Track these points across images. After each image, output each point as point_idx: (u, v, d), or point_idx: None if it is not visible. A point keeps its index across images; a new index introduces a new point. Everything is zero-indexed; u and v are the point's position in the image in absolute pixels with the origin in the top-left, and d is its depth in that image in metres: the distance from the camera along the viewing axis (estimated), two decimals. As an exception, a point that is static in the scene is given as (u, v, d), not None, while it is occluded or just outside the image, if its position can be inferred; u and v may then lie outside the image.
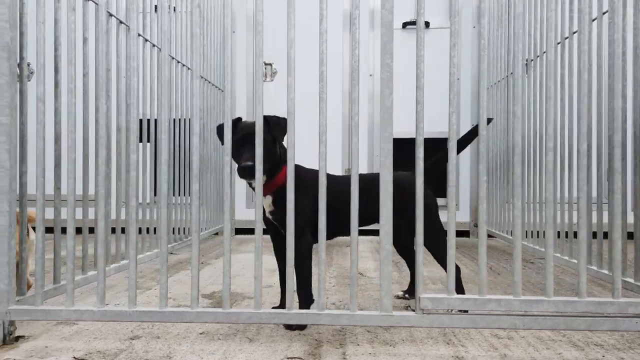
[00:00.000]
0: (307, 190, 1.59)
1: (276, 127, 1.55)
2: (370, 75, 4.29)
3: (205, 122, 3.58)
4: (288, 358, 1.31)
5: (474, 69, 4.22)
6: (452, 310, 1.44)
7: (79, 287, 1.88)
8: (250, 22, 4.40)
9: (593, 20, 2.18)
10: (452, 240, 1.36)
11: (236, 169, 1.52)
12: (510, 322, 1.33)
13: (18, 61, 1.53)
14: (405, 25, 4.24)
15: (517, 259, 1.36)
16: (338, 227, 1.68)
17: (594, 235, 3.55)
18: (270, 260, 2.85)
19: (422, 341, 1.44)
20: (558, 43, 2.48)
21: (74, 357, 1.32)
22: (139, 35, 2.45)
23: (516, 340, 1.46)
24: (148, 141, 3.28)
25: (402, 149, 4.17)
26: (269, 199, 1.60)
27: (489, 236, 3.74)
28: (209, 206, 3.76)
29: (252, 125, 1.53)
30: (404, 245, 1.93)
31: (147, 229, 3.21)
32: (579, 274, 1.36)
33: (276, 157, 1.58)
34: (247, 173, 1.48)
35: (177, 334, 1.51)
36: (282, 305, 1.72)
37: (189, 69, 3.24)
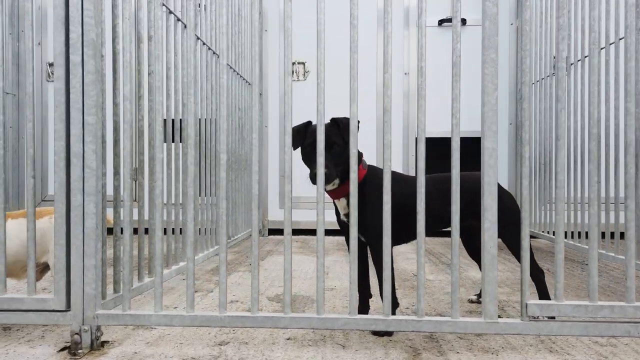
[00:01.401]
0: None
1: (346, 129, 1.49)
2: (405, 73, 4.23)
3: (244, 122, 3.53)
4: (393, 366, 1.25)
5: (511, 68, 4.15)
6: (541, 317, 1.37)
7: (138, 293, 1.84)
8: (280, 21, 4.34)
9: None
10: (560, 244, 1.31)
11: (308, 174, 1.47)
12: (623, 330, 1.27)
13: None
14: (441, 22, 4.17)
15: (631, 264, 1.30)
16: (413, 229, 1.63)
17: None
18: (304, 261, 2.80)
19: (523, 349, 1.39)
20: (602, 48, 2.42)
21: (172, 365, 1.27)
22: (197, 38, 2.41)
23: (620, 347, 1.40)
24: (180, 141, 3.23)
25: (438, 148, 4.12)
26: (344, 201, 1.55)
27: (531, 237, 3.67)
28: (246, 206, 3.71)
29: (323, 130, 1.47)
30: (476, 247, 1.87)
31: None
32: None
33: (348, 160, 1.52)
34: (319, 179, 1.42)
35: (263, 340, 1.46)
36: (361, 310, 1.67)
37: (234, 70, 3.20)
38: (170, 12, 2.16)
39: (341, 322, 1.33)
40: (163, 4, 2.06)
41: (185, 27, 2.31)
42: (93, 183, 1.39)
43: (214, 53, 2.77)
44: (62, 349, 1.38)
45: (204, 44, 2.61)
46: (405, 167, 4.21)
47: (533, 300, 1.30)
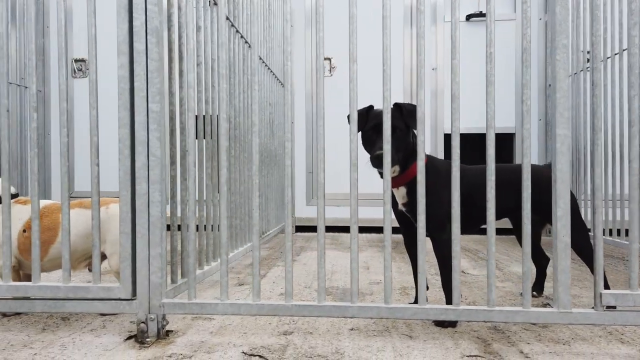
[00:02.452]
0: (445, 182, 1.52)
1: (409, 114, 1.47)
2: (433, 69, 4.20)
3: (274, 117, 3.53)
4: (467, 356, 1.24)
5: (540, 62, 4.11)
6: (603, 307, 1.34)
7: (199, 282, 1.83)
8: (309, 17, 4.34)
9: None
10: (634, 232, 1.28)
11: (369, 158, 1.46)
12: (703, 320, 1.24)
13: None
14: (469, 17, 4.14)
15: None
16: (476, 219, 1.61)
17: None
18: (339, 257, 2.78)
19: (593, 340, 1.36)
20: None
21: (243, 352, 1.26)
22: (237, 32, 2.40)
23: (693, 339, 1.37)
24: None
25: (467, 144, 4.09)
26: (403, 190, 1.53)
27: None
28: (277, 202, 3.71)
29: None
30: (532, 241, 1.84)
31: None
32: None
33: (410, 146, 1.51)
34: (380, 162, 1.41)
35: (326, 330, 1.45)
36: (416, 302, 1.65)
37: (265, 65, 3.19)
38: (215, 3, 2.15)
39: (410, 311, 1.32)
40: (210, -4, 2.05)
41: (232, 24, 2.30)
42: (158, 171, 1.38)
43: (249, 46, 2.76)
44: (129, 338, 1.38)
45: (242, 37, 2.61)
46: (432, 163, 4.18)
47: (607, 290, 1.27)
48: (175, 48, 1.64)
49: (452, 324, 1.48)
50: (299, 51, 4.30)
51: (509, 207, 1.60)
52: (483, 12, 4.13)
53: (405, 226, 1.63)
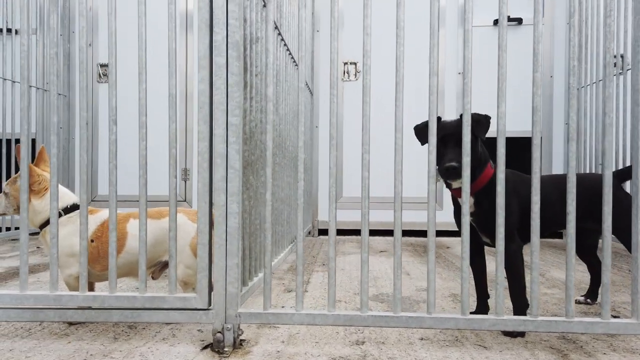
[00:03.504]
0: (512, 191, 1.54)
1: (478, 125, 1.49)
2: (459, 73, 4.21)
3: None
4: (550, 367, 1.25)
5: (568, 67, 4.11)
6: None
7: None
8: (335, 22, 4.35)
9: None
10: None
11: (437, 169, 1.47)
12: None
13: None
14: (496, 22, 4.15)
15: None
16: (543, 226, 1.62)
17: None
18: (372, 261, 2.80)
19: (667, 351, 1.37)
20: None
21: (327, 364, 1.28)
22: (281, 38, 2.41)
23: None
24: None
25: (494, 147, 4.09)
26: (470, 200, 1.55)
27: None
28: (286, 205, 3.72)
29: (454, 125, 1.48)
30: (586, 247, 1.85)
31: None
32: None
33: (478, 157, 1.52)
34: (451, 174, 1.43)
35: (397, 340, 1.46)
36: (480, 311, 1.66)
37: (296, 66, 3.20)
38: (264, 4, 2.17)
39: (488, 322, 1.33)
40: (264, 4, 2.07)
41: (279, 32, 2.32)
42: (236, 183, 1.40)
43: (290, 54, 2.78)
44: (205, 347, 1.40)
45: (285, 45, 2.62)
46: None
47: (687, 302, 1.28)
48: (251, 59, 1.66)
49: (522, 334, 1.49)
50: (325, 55, 4.32)
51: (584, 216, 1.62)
52: (510, 16, 4.14)
53: (471, 236, 1.64)
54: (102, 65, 4.63)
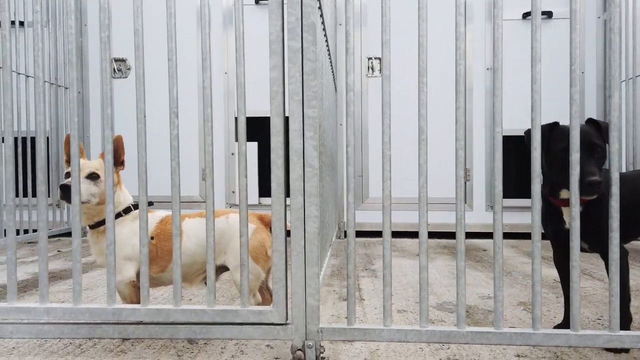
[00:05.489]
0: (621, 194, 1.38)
1: (606, 131, 1.32)
2: (488, 68, 4.07)
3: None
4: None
5: (599, 63, 3.98)
6: None
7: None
8: (357, 16, 4.22)
9: None
10: None
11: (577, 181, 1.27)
12: None
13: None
14: (525, 15, 4.02)
15: None
16: (633, 229, 1.48)
17: None
18: (410, 265, 2.66)
19: None
20: None
21: (430, 387, 1.13)
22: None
23: None
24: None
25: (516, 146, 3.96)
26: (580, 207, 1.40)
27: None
28: (328, 206, 3.58)
29: (583, 132, 1.30)
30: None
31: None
32: None
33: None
34: (594, 189, 1.25)
35: (492, 357, 1.33)
36: (565, 323, 1.52)
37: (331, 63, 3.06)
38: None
39: (602, 339, 1.19)
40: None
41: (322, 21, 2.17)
42: (315, 183, 1.25)
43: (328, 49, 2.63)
44: (284, 366, 1.25)
45: (325, 35, 2.48)
46: (489, 166, 4.05)
47: None
48: (321, 45, 1.51)
49: (626, 350, 1.35)
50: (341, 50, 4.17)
51: None
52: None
53: (563, 243, 1.49)
54: (116, 60, 4.48)
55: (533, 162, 1.21)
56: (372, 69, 4.20)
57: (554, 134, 1.35)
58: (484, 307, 1.86)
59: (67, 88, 4.04)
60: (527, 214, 3.89)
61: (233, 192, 4.18)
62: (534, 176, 1.21)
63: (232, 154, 4.17)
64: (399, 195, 4.04)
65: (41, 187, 1.31)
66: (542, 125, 1.35)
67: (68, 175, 1.44)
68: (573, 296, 1.21)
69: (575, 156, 1.20)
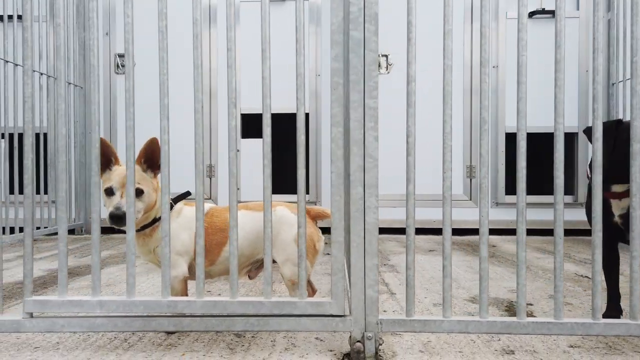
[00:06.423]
0: None
1: None
2: (494, 67, 4.11)
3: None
4: None
5: (606, 62, 4.04)
6: None
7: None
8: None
9: None
10: None
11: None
12: None
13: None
14: (532, 14, 4.06)
15: None
16: None
17: None
18: (433, 260, 2.67)
19: None
20: None
21: (498, 377, 1.13)
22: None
23: None
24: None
25: (528, 144, 4.00)
26: (626, 201, 1.42)
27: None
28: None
29: None
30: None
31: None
32: None
33: None
34: None
35: (548, 348, 1.33)
36: (612, 314, 1.53)
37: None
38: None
39: (662, 328, 1.20)
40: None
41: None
42: (374, 174, 1.25)
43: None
44: (344, 357, 1.24)
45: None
46: (494, 163, 4.08)
47: None
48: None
49: (674, 341, 1.37)
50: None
51: None
52: (546, 8, 4.05)
53: (612, 237, 1.51)
54: (120, 56, 4.41)
55: (595, 154, 1.22)
56: (379, 65, 4.20)
57: (620, 131, 1.37)
58: (510, 297, 1.87)
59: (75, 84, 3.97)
60: (535, 211, 3.93)
61: (238, 189, 4.14)
62: (595, 166, 1.22)
63: (238, 150, 4.13)
64: (398, 192, 4.05)
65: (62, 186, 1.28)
66: (605, 122, 1.36)
67: (108, 191, 1.34)
68: (634, 286, 1.22)
69: (636, 146, 1.21)
